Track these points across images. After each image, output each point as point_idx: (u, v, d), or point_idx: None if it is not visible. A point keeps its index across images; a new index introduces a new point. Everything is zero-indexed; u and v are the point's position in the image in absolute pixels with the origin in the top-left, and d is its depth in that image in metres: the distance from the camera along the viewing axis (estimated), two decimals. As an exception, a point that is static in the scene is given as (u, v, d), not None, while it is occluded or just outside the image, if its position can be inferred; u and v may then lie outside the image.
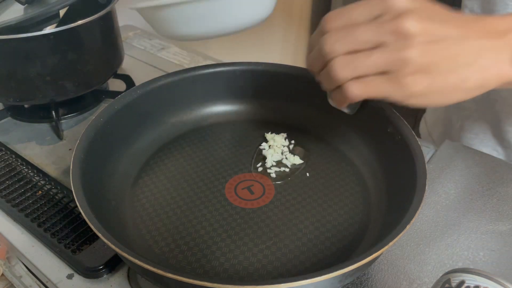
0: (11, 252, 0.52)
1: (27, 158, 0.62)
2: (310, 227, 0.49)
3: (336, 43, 0.36)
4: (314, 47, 0.39)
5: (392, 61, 0.34)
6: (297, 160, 0.57)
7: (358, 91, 0.37)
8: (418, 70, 0.34)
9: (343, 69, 0.36)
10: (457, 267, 0.36)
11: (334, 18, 0.37)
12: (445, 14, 0.36)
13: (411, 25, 0.34)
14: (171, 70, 0.69)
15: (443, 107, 0.76)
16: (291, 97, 0.63)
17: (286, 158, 0.57)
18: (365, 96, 0.37)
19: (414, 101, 0.37)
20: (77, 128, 0.69)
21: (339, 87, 0.38)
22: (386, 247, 0.37)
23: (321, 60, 0.38)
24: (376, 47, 0.35)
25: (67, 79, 0.64)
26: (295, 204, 0.52)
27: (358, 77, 0.36)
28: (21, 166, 0.60)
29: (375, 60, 0.35)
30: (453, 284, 0.34)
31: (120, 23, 0.72)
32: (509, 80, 0.36)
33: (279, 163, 0.57)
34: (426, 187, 0.42)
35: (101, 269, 0.47)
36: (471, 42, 0.35)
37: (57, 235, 0.50)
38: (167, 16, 0.46)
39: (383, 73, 0.35)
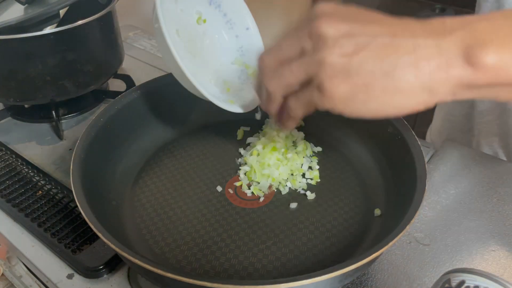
0: (11, 252, 0.52)
1: (27, 158, 0.62)
2: (310, 227, 0.49)
3: (265, 58, 0.36)
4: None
5: (309, 65, 0.33)
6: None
7: (293, 105, 0.37)
8: (334, 73, 0.32)
9: (271, 82, 0.36)
10: (457, 267, 0.36)
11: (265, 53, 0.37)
12: (374, 16, 0.33)
13: (325, 25, 0.32)
14: (171, 70, 0.69)
15: (461, 116, 0.75)
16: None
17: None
18: (302, 110, 0.36)
19: (342, 108, 0.33)
20: (77, 128, 0.69)
21: (286, 111, 0.38)
22: (386, 247, 0.37)
23: (260, 80, 0.38)
24: (297, 56, 0.34)
25: (67, 79, 0.64)
26: (295, 204, 0.52)
27: (289, 92, 0.36)
28: (21, 166, 0.60)
29: (294, 68, 0.34)
30: (453, 284, 0.34)
31: (120, 23, 0.72)
32: (465, 83, 0.31)
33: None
34: (426, 187, 0.43)
35: (101, 269, 0.47)
36: (401, 40, 0.31)
37: (57, 235, 0.50)
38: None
39: (308, 82, 0.34)
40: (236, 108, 0.51)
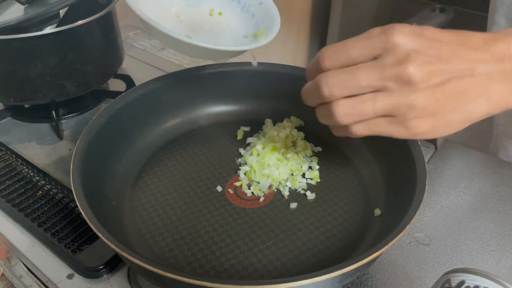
0: (11, 252, 0.52)
1: (27, 158, 0.62)
2: (310, 227, 0.49)
3: (334, 87, 0.34)
4: (311, 80, 0.37)
5: (397, 107, 0.33)
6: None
7: (361, 131, 0.36)
8: (423, 114, 0.34)
9: (345, 116, 0.35)
10: (457, 267, 0.36)
11: (332, 56, 0.35)
12: (450, 45, 0.33)
13: (415, 71, 0.32)
14: (171, 70, 0.69)
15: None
16: (291, 97, 0.62)
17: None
18: (367, 134, 0.36)
19: (420, 137, 0.36)
20: (77, 128, 0.69)
21: (346, 127, 0.37)
22: (386, 247, 0.37)
23: (318, 97, 0.36)
24: (377, 90, 0.34)
25: (67, 79, 0.64)
26: (295, 204, 0.52)
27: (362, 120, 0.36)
28: (21, 166, 0.60)
29: (379, 107, 0.34)
30: (453, 284, 0.34)
31: (120, 23, 0.72)
32: None
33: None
34: (426, 187, 0.43)
35: (101, 269, 0.47)
36: (478, 73, 0.33)
37: (57, 235, 0.50)
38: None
39: (386, 116, 0.35)
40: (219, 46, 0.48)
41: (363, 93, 0.34)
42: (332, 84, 0.34)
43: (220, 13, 0.55)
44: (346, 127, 0.36)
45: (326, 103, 0.36)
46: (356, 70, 0.34)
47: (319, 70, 0.36)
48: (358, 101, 0.34)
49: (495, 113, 0.35)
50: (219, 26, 0.56)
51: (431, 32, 0.34)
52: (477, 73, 0.33)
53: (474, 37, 0.34)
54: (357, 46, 0.34)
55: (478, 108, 0.34)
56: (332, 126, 0.39)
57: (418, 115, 0.34)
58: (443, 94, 0.33)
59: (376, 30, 0.33)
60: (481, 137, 0.74)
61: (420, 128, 0.34)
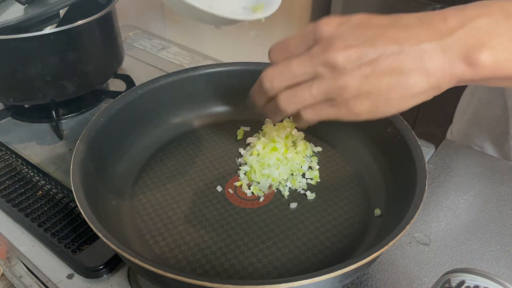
0: (11, 252, 0.52)
1: (27, 158, 0.62)
2: (310, 227, 0.49)
3: (274, 80, 0.37)
4: None
5: (330, 90, 0.35)
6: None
7: (309, 116, 0.38)
8: (358, 94, 0.35)
9: (288, 103, 0.38)
10: (457, 267, 0.36)
11: (274, 51, 0.39)
12: (378, 27, 0.35)
13: (339, 56, 0.34)
14: (171, 70, 0.69)
15: (490, 119, 0.73)
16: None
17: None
18: (317, 119, 0.38)
19: (365, 117, 0.37)
20: (77, 128, 0.69)
21: (293, 115, 0.40)
22: (386, 247, 0.37)
23: (263, 94, 0.39)
24: (313, 78, 0.36)
25: (67, 79, 0.64)
26: (295, 204, 0.52)
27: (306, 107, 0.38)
28: (21, 166, 0.60)
29: (315, 91, 0.36)
30: (453, 284, 0.34)
31: (120, 23, 0.72)
32: (465, 79, 0.35)
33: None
34: (426, 187, 0.43)
35: (101, 269, 0.47)
36: (408, 49, 0.34)
37: (57, 235, 0.50)
38: None
39: (327, 100, 0.36)
40: (221, 12, 0.48)
41: (301, 82, 0.37)
42: (272, 77, 0.38)
43: None
44: (299, 115, 0.39)
45: (271, 99, 0.39)
46: (291, 62, 0.37)
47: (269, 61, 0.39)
48: (296, 89, 0.37)
49: (443, 86, 0.35)
50: None
51: (358, 18, 0.35)
52: (407, 49, 0.34)
53: (408, 17, 0.35)
54: (294, 40, 0.37)
55: (416, 82, 0.34)
56: (292, 118, 0.41)
57: (353, 95, 0.35)
58: (373, 72, 0.34)
59: (311, 24, 0.36)
60: (496, 139, 0.72)
61: (359, 107, 0.36)
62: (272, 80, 0.38)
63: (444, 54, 0.34)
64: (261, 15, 0.50)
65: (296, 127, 0.61)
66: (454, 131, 0.82)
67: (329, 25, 0.35)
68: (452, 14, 0.34)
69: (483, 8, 0.34)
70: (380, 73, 0.34)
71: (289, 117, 0.62)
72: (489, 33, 0.33)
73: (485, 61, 0.33)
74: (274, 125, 0.61)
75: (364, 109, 0.36)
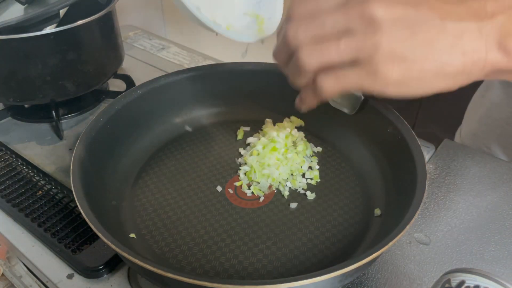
0: (11, 252, 0.52)
1: (27, 158, 0.62)
2: (310, 227, 0.49)
3: (299, 29, 0.34)
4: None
5: (362, 47, 0.32)
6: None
7: (330, 84, 0.35)
8: (390, 57, 0.32)
9: (310, 57, 0.34)
10: (457, 267, 0.36)
11: (299, 4, 0.34)
12: None
13: (378, 9, 0.31)
14: (171, 70, 0.69)
15: (501, 120, 0.72)
16: (291, 97, 0.62)
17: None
18: (338, 90, 0.35)
19: (392, 90, 0.34)
20: (77, 128, 0.69)
21: (311, 85, 0.36)
22: (386, 247, 0.37)
23: (286, 49, 0.35)
24: (343, 33, 0.33)
25: (67, 79, 0.64)
26: (295, 204, 0.52)
27: (328, 69, 0.34)
28: (21, 166, 0.60)
29: (343, 47, 0.33)
30: (453, 284, 0.34)
31: (120, 23, 0.72)
32: (498, 68, 0.33)
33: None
34: (426, 187, 0.43)
35: (101, 269, 0.47)
36: (450, 24, 0.32)
37: (57, 235, 0.50)
38: None
39: (354, 63, 0.33)
40: (229, 34, 0.48)
41: (330, 36, 0.33)
42: (295, 28, 0.34)
43: None
44: (316, 85, 0.35)
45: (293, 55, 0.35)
46: (321, 13, 0.33)
47: (288, 20, 0.35)
48: (323, 41, 0.33)
49: (475, 73, 0.33)
50: None
51: None
52: (449, 25, 0.32)
53: None
54: None
55: (452, 60, 0.32)
56: (303, 93, 0.38)
57: (385, 58, 0.32)
58: (412, 38, 0.32)
59: None
60: (505, 140, 0.72)
61: (390, 74, 0.32)
62: (297, 30, 0.34)
63: (482, 37, 0.32)
64: (261, 35, 0.50)
65: (296, 127, 0.61)
66: (463, 132, 0.81)
67: None
68: (492, 2, 0.32)
69: None
70: (419, 40, 0.32)
71: (288, 117, 0.62)
72: None
73: None
74: (274, 125, 0.61)
75: (394, 77, 0.32)
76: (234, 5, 0.54)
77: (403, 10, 0.32)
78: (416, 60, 0.32)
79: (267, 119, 0.62)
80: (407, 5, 0.32)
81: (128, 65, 0.84)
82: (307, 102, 0.39)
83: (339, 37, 0.33)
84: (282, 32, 0.36)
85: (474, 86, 0.76)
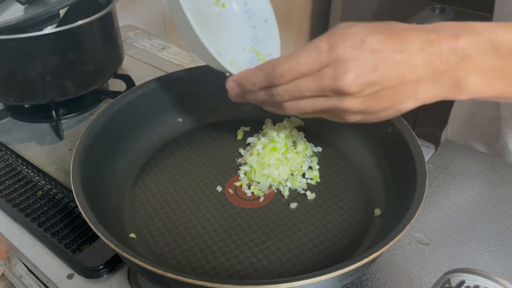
0: (11, 252, 0.52)
1: (27, 158, 0.62)
2: (310, 227, 0.49)
3: (285, 95, 0.40)
4: (253, 78, 0.41)
5: (333, 108, 0.39)
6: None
7: (304, 109, 0.41)
8: (357, 113, 0.39)
9: (292, 109, 0.41)
10: (457, 267, 0.36)
11: (286, 72, 0.39)
12: (387, 55, 0.36)
13: (349, 85, 0.36)
14: (171, 70, 0.69)
15: (484, 119, 0.75)
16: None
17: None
18: (308, 115, 0.43)
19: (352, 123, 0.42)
20: (77, 128, 0.69)
21: (288, 106, 0.42)
22: (386, 247, 0.37)
23: (265, 83, 0.41)
24: (319, 96, 0.39)
25: (67, 79, 0.64)
26: (295, 204, 0.52)
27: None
28: (21, 166, 0.60)
29: (317, 107, 0.40)
30: (453, 284, 0.34)
31: (120, 23, 0.72)
32: (450, 98, 0.39)
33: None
34: (426, 187, 0.43)
35: (101, 269, 0.47)
36: (408, 83, 0.37)
37: (57, 235, 0.50)
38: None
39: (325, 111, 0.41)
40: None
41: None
42: (281, 93, 0.40)
43: (224, 5, 0.54)
44: (282, 106, 0.42)
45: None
46: (301, 82, 0.39)
47: (269, 79, 0.40)
48: (301, 100, 0.40)
49: (426, 103, 0.40)
50: (218, 19, 0.55)
51: (370, 43, 0.36)
52: (408, 80, 0.37)
53: (411, 44, 0.36)
54: (308, 62, 0.38)
55: (406, 106, 0.39)
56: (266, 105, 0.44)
57: (351, 115, 0.40)
58: (375, 100, 0.38)
59: (323, 44, 0.37)
60: (488, 138, 0.73)
61: (352, 119, 0.41)
62: (283, 95, 0.40)
63: (435, 84, 0.38)
64: None
65: (296, 127, 0.61)
66: (448, 131, 0.83)
67: (344, 49, 0.36)
68: (447, 47, 0.36)
69: (475, 37, 0.36)
70: (381, 99, 0.38)
71: (288, 117, 0.62)
72: (478, 63, 0.37)
73: (470, 88, 0.38)
74: (274, 125, 0.61)
75: (355, 120, 0.41)
76: (234, 41, 0.55)
77: (370, 79, 0.36)
78: (377, 111, 0.39)
79: (267, 119, 0.62)
80: (374, 73, 0.36)
81: (128, 65, 0.84)
82: (266, 108, 0.44)
83: (316, 98, 0.39)
84: (266, 67, 0.40)
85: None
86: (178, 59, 0.88)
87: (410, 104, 0.39)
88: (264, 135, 0.59)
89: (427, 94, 0.38)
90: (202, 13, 0.53)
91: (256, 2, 0.55)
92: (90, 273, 0.47)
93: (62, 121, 0.70)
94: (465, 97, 0.39)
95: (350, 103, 0.38)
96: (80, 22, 0.61)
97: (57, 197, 0.55)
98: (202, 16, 0.53)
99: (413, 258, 0.48)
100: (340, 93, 0.37)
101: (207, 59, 0.46)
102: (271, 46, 0.55)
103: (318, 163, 0.57)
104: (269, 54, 0.54)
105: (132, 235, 0.48)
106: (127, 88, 0.74)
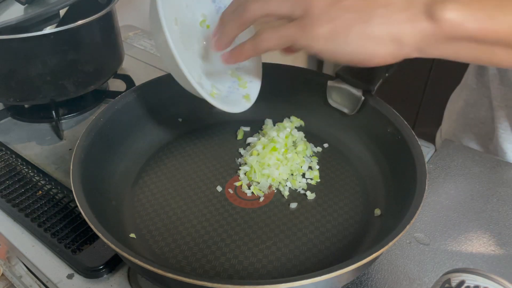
0: (11, 252, 0.52)
1: (27, 158, 0.62)
2: (310, 227, 0.49)
3: None
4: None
5: (297, 5, 0.37)
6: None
7: (269, 35, 0.39)
8: (321, 16, 0.36)
9: (254, 6, 0.39)
10: (457, 267, 0.36)
11: None
12: None
13: None
14: (171, 70, 0.69)
15: (476, 120, 0.73)
16: (291, 97, 0.63)
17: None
18: (276, 42, 0.40)
19: (321, 46, 0.37)
20: (77, 128, 0.69)
21: (252, 38, 0.41)
22: (386, 247, 0.37)
23: (235, 4, 0.41)
24: None
25: (67, 79, 0.64)
26: (295, 204, 0.52)
27: (261, 19, 0.40)
28: (21, 166, 0.60)
29: (283, 2, 0.38)
30: (453, 284, 0.34)
31: (120, 23, 0.72)
32: (430, 35, 0.35)
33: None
34: (426, 187, 0.43)
35: (101, 269, 0.47)
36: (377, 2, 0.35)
37: (57, 235, 0.50)
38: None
39: (290, 18, 0.38)
40: (219, 104, 0.50)
41: None
42: None
43: (208, 26, 0.54)
44: (257, 36, 0.40)
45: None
46: None
47: None
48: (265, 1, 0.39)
49: (405, 42, 0.36)
50: (203, 47, 0.54)
51: None
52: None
53: None
54: None
55: (377, 28, 0.35)
56: (242, 45, 0.43)
57: (316, 16, 0.37)
58: (340, 4, 0.36)
59: None
60: (481, 138, 0.74)
61: (318, 29, 0.37)
62: None
63: (409, 8, 0.34)
64: (248, 102, 0.53)
65: (296, 127, 0.61)
66: (442, 132, 0.83)
67: None
68: None
69: None
70: (346, 7, 0.36)
71: (288, 117, 0.62)
72: None
73: (448, 17, 0.33)
74: (274, 125, 0.61)
75: (322, 33, 0.36)
76: (212, 63, 0.54)
77: None
78: (342, 20, 0.36)
79: (267, 119, 0.62)
80: None
81: (128, 65, 0.84)
82: (243, 53, 0.43)
83: None
84: None
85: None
86: (178, 59, 0.88)
87: (380, 24, 0.35)
88: (264, 135, 0.59)
89: (400, 17, 0.35)
90: (188, 35, 0.53)
91: None
92: (90, 273, 0.47)
93: (62, 121, 0.70)
94: (445, 32, 0.34)
95: (312, 2, 0.36)
96: (80, 22, 0.61)
97: (57, 197, 0.55)
98: (187, 38, 0.53)
99: (413, 258, 0.48)
100: None
101: (187, 87, 0.46)
102: (253, 72, 0.55)
103: (318, 163, 0.57)
104: (250, 81, 0.55)
105: (132, 235, 0.48)
106: (127, 88, 0.74)
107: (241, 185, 0.54)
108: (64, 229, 0.51)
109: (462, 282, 0.34)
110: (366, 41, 0.36)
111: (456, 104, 0.78)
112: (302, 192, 0.53)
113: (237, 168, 0.57)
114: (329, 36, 0.36)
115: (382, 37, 0.36)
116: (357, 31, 0.36)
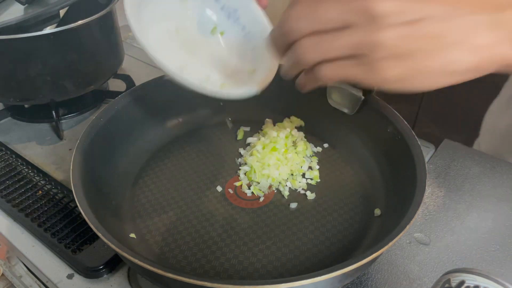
0: (11, 252, 0.52)
1: (27, 158, 0.62)
2: (310, 227, 0.49)
3: (299, 20, 0.32)
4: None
5: (362, 44, 0.31)
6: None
7: (329, 74, 0.34)
8: (391, 55, 0.30)
9: (309, 52, 0.33)
10: (457, 267, 0.36)
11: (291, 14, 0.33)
12: None
13: (381, 3, 0.29)
14: (171, 70, 0.69)
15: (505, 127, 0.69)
16: (291, 97, 0.62)
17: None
18: (338, 79, 0.34)
19: (392, 86, 0.32)
20: (77, 128, 0.69)
21: (310, 70, 0.35)
22: (386, 247, 0.37)
23: (285, 39, 0.34)
24: (344, 27, 0.31)
25: (67, 79, 0.64)
26: (295, 204, 0.52)
27: (327, 60, 0.33)
28: (21, 166, 0.60)
29: (343, 43, 0.31)
30: (453, 284, 0.34)
31: (120, 23, 0.72)
32: (509, 63, 0.31)
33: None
34: (426, 187, 0.43)
35: (101, 269, 0.47)
36: (459, 19, 0.30)
37: (57, 235, 0.50)
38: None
39: (354, 56, 0.32)
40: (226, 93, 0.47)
41: (329, 30, 0.32)
42: (296, 18, 0.33)
43: (222, 33, 0.53)
44: (315, 73, 0.34)
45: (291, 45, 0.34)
46: (320, 4, 0.32)
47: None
48: (322, 37, 0.32)
49: (485, 68, 0.31)
50: (218, 48, 0.53)
51: None
52: (457, 17, 0.30)
53: None
54: None
55: (459, 57, 0.30)
56: (303, 77, 0.37)
57: (386, 55, 0.30)
58: (415, 34, 0.30)
59: None
60: (510, 144, 0.70)
61: (390, 72, 0.31)
62: (297, 20, 0.32)
63: (493, 30, 0.30)
64: (261, 84, 0.50)
65: (296, 127, 0.61)
66: (482, 146, 0.76)
67: None
68: None
69: None
70: (423, 37, 0.30)
71: (288, 117, 0.62)
72: None
73: None
74: (274, 125, 0.61)
75: (394, 75, 0.31)
76: (235, 62, 0.53)
77: (406, 3, 0.30)
78: (419, 58, 0.31)
79: (267, 119, 0.62)
80: None
81: (128, 65, 0.84)
82: (306, 87, 0.38)
83: (340, 32, 0.31)
84: (283, 18, 0.34)
85: (481, 88, 0.74)
86: (178, 59, 0.88)
87: (464, 54, 0.30)
88: (264, 135, 0.59)
89: (485, 42, 0.30)
90: (194, 41, 0.52)
91: (254, 24, 0.52)
92: (90, 273, 0.47)
93: (62, 121, 0.70)
94: None
95: (384, 34, 0.30)
96: (80, 22, 0.61)
97: (57, 197, 0.55)
98: (193, 44, 0.51)
99: (413, 258, 0.48)
100: (369, 14, 0.30)
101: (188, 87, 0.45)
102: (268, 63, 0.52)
103: (318, 163, 0.57)
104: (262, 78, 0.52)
105: (132, 235, 0.48)
106: (127, 88, 0.74)
107: (241, 185, 0.54)
108: (64, 229, 0.51)
109: (462, 282, 0.34)
110: (447, 76, 0.32)
111: (500, 120, 0.72)
112: (302, 192, 0.53)
113: (237, 168, 0.57)
114: (402, 77, 0.31)
115: (464, 71, 0.31)
116: (436, 68, 0.31)
